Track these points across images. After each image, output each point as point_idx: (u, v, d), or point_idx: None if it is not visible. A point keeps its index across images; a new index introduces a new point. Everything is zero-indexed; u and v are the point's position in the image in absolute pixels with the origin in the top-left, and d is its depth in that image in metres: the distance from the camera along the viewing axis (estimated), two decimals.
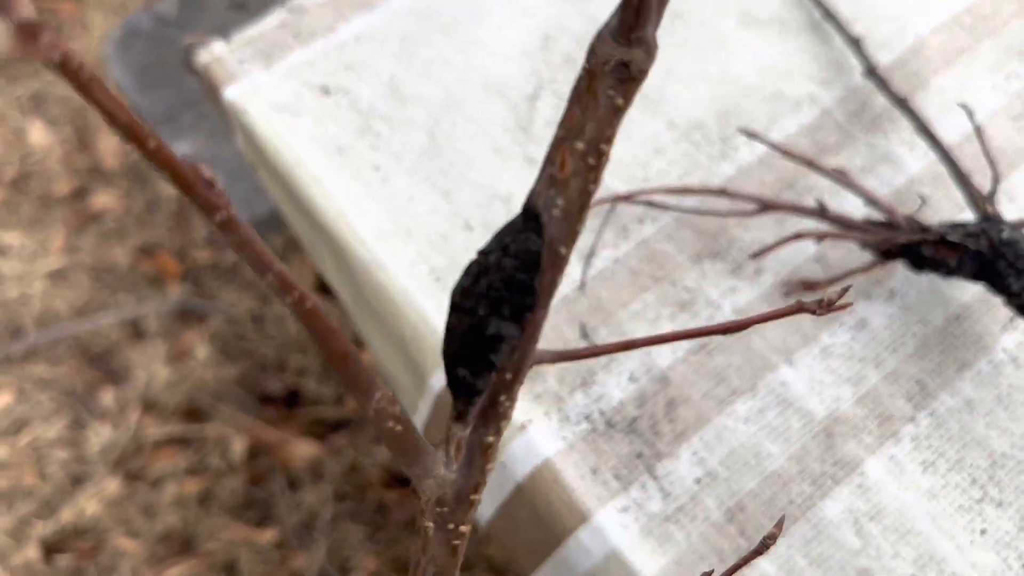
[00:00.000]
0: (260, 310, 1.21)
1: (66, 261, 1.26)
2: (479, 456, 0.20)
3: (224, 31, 1.02)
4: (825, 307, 0.20)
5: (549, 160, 0.19)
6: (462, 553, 0.21)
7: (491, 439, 0.20)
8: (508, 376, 0.20)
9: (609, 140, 0.19)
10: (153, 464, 1.12)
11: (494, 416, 0.20)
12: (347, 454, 1.12)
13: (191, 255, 1.26)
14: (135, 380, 1.17)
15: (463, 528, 0.21)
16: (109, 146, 1.34)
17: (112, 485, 1.10)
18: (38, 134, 1.35)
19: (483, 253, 0.20)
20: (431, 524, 0.21)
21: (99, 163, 1.33)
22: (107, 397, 1.16)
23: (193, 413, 1.16)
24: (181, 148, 0.89)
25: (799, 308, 0.20)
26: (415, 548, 0.21)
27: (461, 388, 0.19)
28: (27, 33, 0.11)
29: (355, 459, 1.12)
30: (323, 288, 1.12)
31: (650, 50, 0.18)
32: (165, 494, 1.10)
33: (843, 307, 0.19)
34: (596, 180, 0.19)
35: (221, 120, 0.56)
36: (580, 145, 0.19)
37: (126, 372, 1.18)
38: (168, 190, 1.30)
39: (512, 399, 0.20)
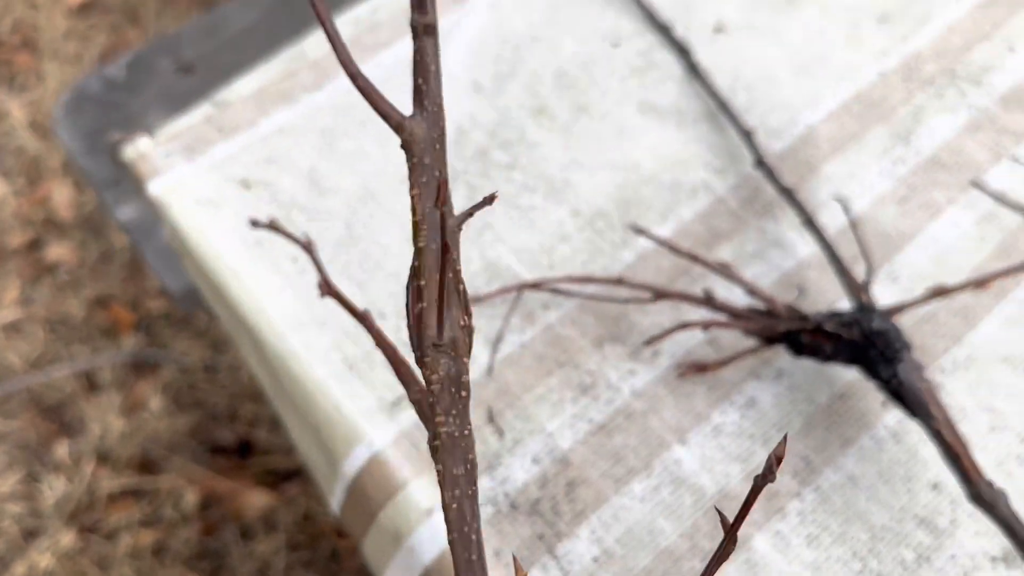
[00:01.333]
0: (212, 359, 1.23)
1: (20, 313, 1.27)
2: (465, 339, 0.27)
3: (172, 95, 1.04)
4: None
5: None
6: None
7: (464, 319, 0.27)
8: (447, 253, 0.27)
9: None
10: (107, 517, 1.13)
11: (454, 292, 0.27)
12: (300, 503, 1.13)
13: (144, 305, 1.28)
14: (89, 432, 1.18)
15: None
16: (63, 198, 1.36)
17: (66, 538, 1.12)
18: None
19: None
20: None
21: (53, 215, 1.35)
22: (61, 450, 1.18)
23: (147, 464, 1.17)
24: (126, 213, 0.91)
25: None
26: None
27: None
28: None
29: (308, 508, 1.13)
30: None
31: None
32: (120, 546, 1.12)
33: None
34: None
35: (150, 210, 0.59)
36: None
37: (80, 424, 1.20)
38: (121, 241, 1.32)
39: (459, 276, 0.27)
